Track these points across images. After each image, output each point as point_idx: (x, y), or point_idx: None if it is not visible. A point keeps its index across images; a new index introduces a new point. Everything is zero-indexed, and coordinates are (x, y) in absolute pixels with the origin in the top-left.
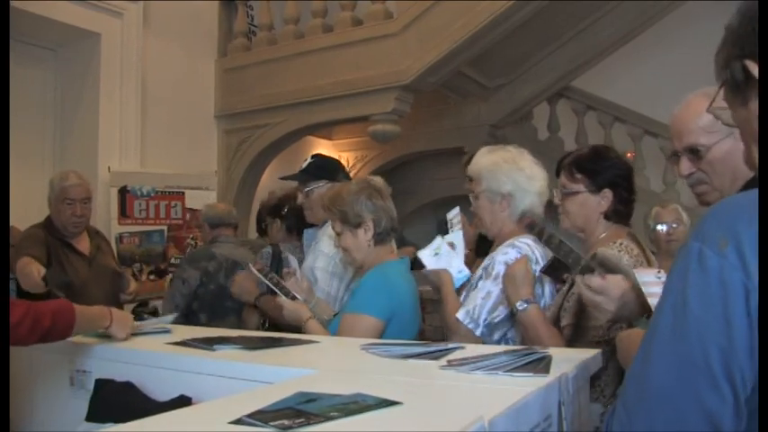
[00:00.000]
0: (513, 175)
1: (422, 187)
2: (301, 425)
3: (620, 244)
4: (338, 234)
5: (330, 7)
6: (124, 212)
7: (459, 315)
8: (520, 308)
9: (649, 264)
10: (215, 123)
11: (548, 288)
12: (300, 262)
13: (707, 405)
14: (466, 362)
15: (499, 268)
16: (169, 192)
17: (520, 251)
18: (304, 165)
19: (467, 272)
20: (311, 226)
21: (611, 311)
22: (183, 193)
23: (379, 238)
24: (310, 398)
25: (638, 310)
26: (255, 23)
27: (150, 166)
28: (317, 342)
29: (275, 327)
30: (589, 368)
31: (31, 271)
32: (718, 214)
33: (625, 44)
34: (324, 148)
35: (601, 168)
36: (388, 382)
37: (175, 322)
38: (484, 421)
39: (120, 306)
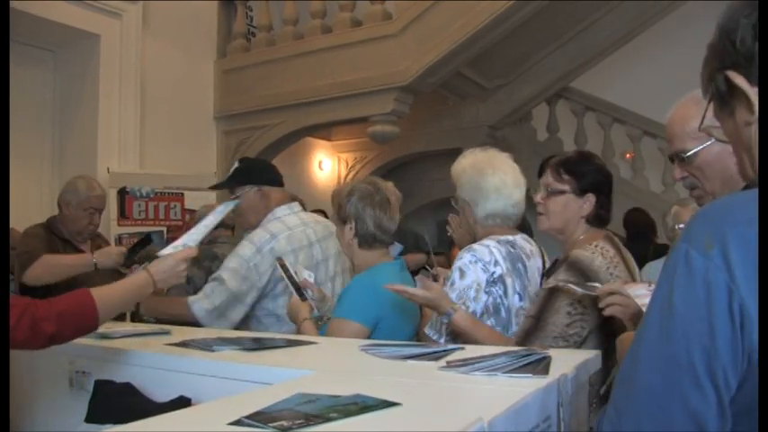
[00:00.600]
0: (474, 183)
1: (420, 188)
2: (301, 426)
3: (596, 246)
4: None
5: (329, 8)
6: (123, 213)
7: (426, 329)
8: (445, 321)
9: (626, 264)
10: (214, 124)
11: (518, 283)
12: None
13: (691, 405)
14: (465, 363)
15: (455, 275)
16: (168, 193)
17: (474, 254)
18: (231, 171)
19: None
20: None
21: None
22: (183, 194)
23: (362, 241)
24: (310, 399)
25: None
26: (254, 24)
27: (149, 167)
28: (315, 343)
29: None
30: (588, 369)
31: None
32: (705, 216)
33: (624, 45)
34: (323, 148)
35: (587, 172)
36: (387, 383)
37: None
38: (483, 422)
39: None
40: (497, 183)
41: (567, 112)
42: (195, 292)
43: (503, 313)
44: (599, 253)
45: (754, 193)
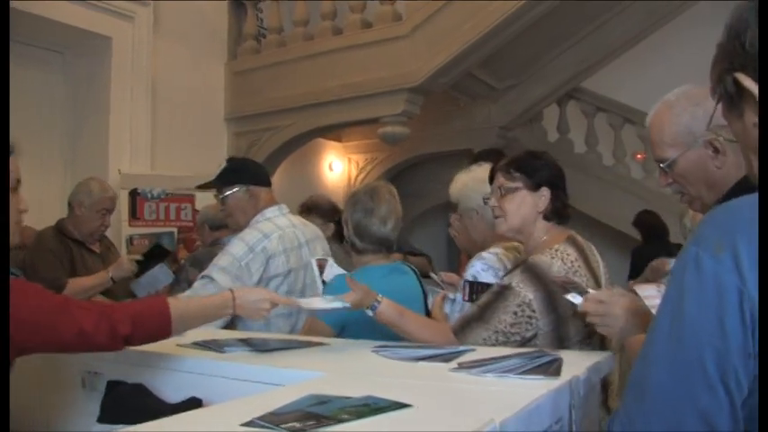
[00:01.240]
0: (478, 189)
1: (431, 190)
2: (312, 427)
3: (555, 250)
4: None
5: (339, 9)
6: (135, 214)
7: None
8: (371, 313)
9: (589, 268)
10: (225, 126)
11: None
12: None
13: (702, 406)
14: (477, 364)
15: (463, 283)
16: (179, 194)
17: (485, 262)
18: (219, 171)
19: None
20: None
21: (618, 329)
22: (194, 195)
23: (349, 244)
24: (321, 400)
25: (638, 328)
26: (265, 26)
27: (160, 169)
28: (326, 344)
29: None
30: (600, 370)
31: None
32: (715, 219)
33: (635, 45)
34: (334, 150)
35: (538, 167)
36: (398, 385)
37: None
38: (495, 423)
39: (132, 295)
40: None
41: (578, 113)
42: None
43: None
44: (558, 257)
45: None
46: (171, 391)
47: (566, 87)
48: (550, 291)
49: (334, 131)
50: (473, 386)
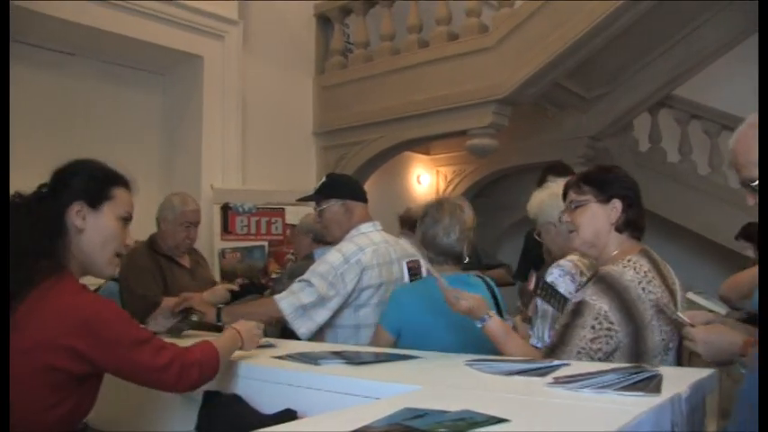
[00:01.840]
0: (555, 204)
1: (520, 202)
2: None
3: (628, 260)
4: None
5: (425, 22)
6: (226, 229)
7: (532, 341)
8: (480, 324)
9: (663, 280)
10: (313, 140)
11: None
12: None
13: None
14: (573, 379)
15: (532, 272)
16: (270, 208)
17: (562, 269)
18: (318, 185)
19: None
20: None
21: (703, 355)
22: (283, 209)
23: None
24: (417, 414)
25: (730, 351)
26: (351, 41)
27: (251, 184)
28: (420, 357)
29: None
30: (704, 388)
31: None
32: None
33: (731, 49)
34: (421, 163)
35: (608, 180)
36: (494, 399)
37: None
38: None
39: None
40: None
41: (671, 121)
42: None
43: None
44: (630, 267)
45: None
46: (266, 403)
47: (658, 95)
48: (624, 299)
49: (421, 144)
50: (570, 402)
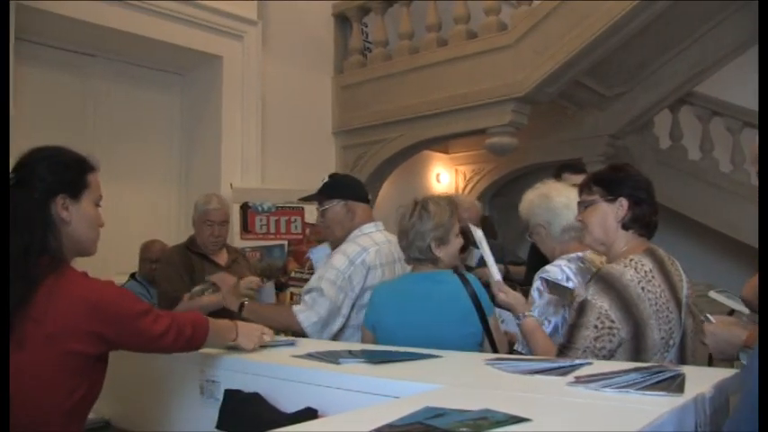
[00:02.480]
0: (543, 205)
1: None
2: None
3: (630, 260)
4: None
5: (444, 21)
6: (246, 228)
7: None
8: (517, 321)
9: (666, 278)
10: (332, 139)
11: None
12: None
13: None
14: (594, 378)
15: (534, 295)
16: (289, 207)
17: (548, 275)
18: (320, 185)
19: None
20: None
21: (710, 348)
22: (303, 208)
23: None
24: (438, 413)
25: (734, 344)
26: (370, 40)
27: (270, 183)
28: (439, 357)
29: None
30: (727, 389)
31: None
32: None
33: (751, 47)
34: (441, 161)
35: (616, 179)
36: (515, 398)
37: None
38: None
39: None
40: (564, 201)
41: (692, 118)
42: None
43: None
44: (631, 267)
45: None
46: (287, 401)
47: (678, 93)
48: (624, 298)
49: (440, 143)
50: (591, 401)
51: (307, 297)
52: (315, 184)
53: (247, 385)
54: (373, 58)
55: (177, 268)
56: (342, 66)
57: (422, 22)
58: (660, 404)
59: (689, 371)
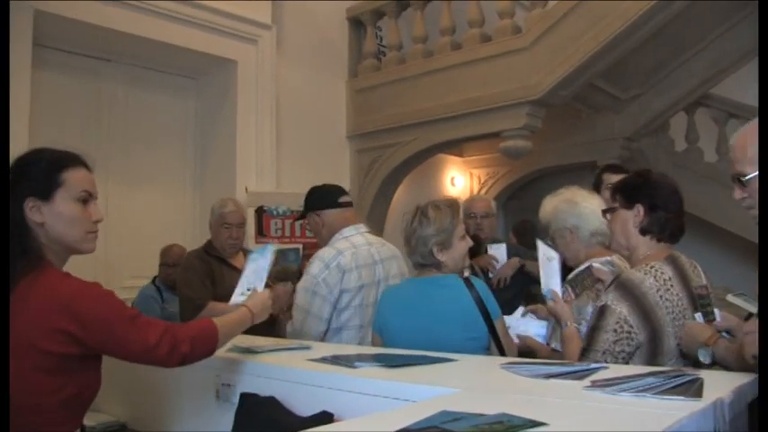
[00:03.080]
0: (570, 210)
1: None
2: None
3: (651, 267)
4: None
5: (458, 24)
6: (261, 231)
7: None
8: (564, 328)
9: (686, 287)
10: (347, 143)
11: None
12: None
13: None
14: (611, 383)
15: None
16: None
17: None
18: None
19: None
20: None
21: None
22: None
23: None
24: (455, 417)
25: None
26: (384, 44)
27: (285, 187)
28: (455, 360)
29: None
30: (746, 394)
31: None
32: None
33: None
34: (455, 165)
35: (634, 185)
36: (531, 402)
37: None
38: None
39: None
40: (591, 206)
41: (708, 121)
42: None
43: None
44: (651, 274)
45: None
46: (302, 405)
47: (694, 95)
48: (643, 304)
49: (455, 147)
50: (608, 405)
51: (296, 315)
52: None
53: (263, 389)
54: (387, 61)
55: (198, 274)
56: (356, 69)
57: (436, 25)
58: (678, 408)
59: (708, 375)
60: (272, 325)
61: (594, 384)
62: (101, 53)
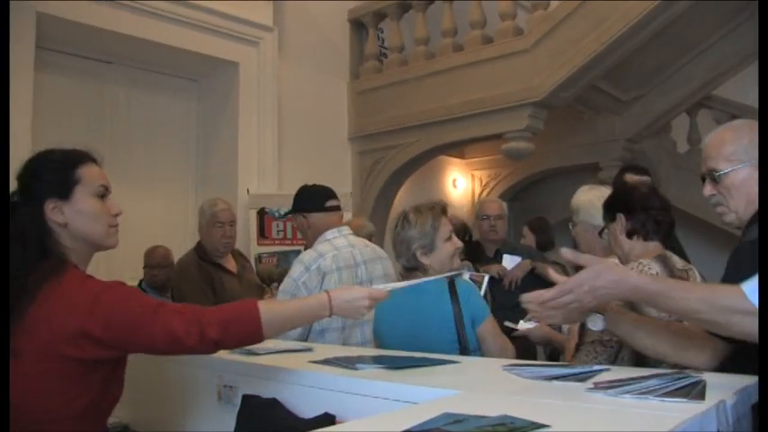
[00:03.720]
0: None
1: (555, 205)
2: None
3: (638, 264)
4: None
5: (460, 26)
6: (263, 233)
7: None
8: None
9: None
10: (348, 145)
11: None
12: None
13: None
14: (613, 385)
15: None
16: None
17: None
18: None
19: None
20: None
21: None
22: None
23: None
24: (457, 419)
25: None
26: (386, 45)
27: (287, 188)
28: (457, 362)
29: None
30: (750, 396)
31: None
32: None
33: None
34: (457, 167)
35: (611, 201)
36: (533, 404)
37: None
38: None
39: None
40: None
41: (710, 122)
42: None
43: None
44: (637, 270)
45: None
46: (304, 407)
47: (696, 96)
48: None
49: (457, 148)
50: (611, 407)
51: None
52: None
53: (265, 390)
54: (389, 63)
55: (199, 283)
56: (358, 71)
57: (437, 27)
58: (681, 410)
59: (710, 377)
60: None
61: (597, 386)
62: (103, 55)
